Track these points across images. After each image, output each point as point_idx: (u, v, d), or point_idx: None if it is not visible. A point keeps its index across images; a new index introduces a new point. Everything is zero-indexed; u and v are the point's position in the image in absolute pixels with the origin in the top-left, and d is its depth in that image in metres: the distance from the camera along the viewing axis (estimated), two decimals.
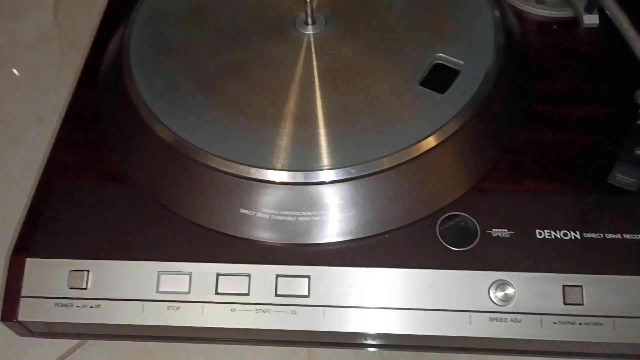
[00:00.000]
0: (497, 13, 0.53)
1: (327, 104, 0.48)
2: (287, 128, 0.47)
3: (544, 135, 0.49)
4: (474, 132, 0.47)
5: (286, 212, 0.44)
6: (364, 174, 0.44)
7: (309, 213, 0.44)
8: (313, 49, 0.52)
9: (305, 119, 0.47)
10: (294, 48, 0.52)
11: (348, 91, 0.49)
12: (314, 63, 0.51)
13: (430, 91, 0.48)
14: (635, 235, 0.43)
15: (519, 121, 0.50)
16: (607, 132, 0.49)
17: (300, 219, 0.44)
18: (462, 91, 0.48)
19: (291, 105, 0.48)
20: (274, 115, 0.47)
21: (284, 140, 0.46)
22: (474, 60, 0.50)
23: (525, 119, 0.50)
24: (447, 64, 0.50)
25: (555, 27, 0.56)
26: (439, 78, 0.49)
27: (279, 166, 0.44)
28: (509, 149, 0.48)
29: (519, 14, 0.57)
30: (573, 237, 0.44)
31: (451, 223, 0.45)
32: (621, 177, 0.43)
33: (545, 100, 0.51)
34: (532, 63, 0.54)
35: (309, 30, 0.53)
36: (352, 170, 0.44)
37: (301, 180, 0.44)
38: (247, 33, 0.53)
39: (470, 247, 0.44)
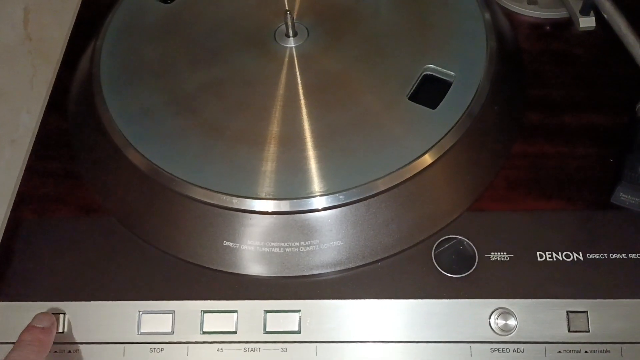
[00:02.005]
0: (487, 16, 0.50)
1: (312, 125, 0.45)
2: (270, 152, 0.44)
3: (541, 148, 0.46)
4: (468, 148, 0.44)
5: (273, 244, 0.42)
6: (354, 199, 0.42)
7: (297, 243, 0.42)
8: (296, 63, 0.49)
9: (290, 142, 0.44)
10: (275, 63, 0.49)
11: (334, 109, 0.46)
12: (298, 79, 0.48)
13: (421, 106, 0.45)
14: None
15: (515, 133, 0.47)
16: (607, 143, 0.46)
17: (287, 250, 0.42)
18: (454, 105, 0.45)
19: (274, 127, 0.45)
20: (256, 138, 0.45)
21: (268, 166, 0.43)
22: (466, 69, 0.47)
23: (522, 131, 0.47)
24: (437, 75, 0.47)
25: (548, 28, 0.54)
26: (430, 90, 0.47)
27: (264, 195, 0.42)
28: (505, 164, 0.46)
29: (510, 16, 0.55)
30: (576, 259, 0.42)
31: (447, 247, 0.42)
32: (625, 197, 0.41)
33: (542, 109, 0.48)
34: (526, 69, 0.51)
35: (291, 43, 0.50)
36: (341, 197, 0.41)
37: (287, 209, 0.41)
38: (224, 48, 0.50)
39: (468, 273, 0.41)
